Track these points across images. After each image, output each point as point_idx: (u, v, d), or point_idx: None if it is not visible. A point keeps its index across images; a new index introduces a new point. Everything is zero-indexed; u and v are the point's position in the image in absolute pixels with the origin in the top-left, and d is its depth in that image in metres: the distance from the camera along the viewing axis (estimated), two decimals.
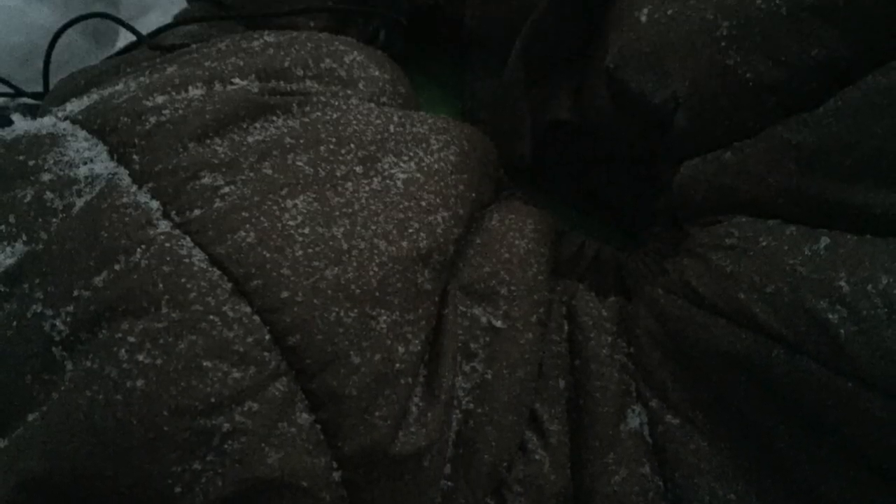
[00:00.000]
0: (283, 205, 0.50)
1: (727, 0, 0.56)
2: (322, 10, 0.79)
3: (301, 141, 0.54)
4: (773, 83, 0.54)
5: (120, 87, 0.60)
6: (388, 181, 0.54)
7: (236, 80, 0.59)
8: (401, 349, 0.51)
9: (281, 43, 0.64)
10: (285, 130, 0.55)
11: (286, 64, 0.61)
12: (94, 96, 0.60)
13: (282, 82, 0.60)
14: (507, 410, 0.55)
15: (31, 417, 0.46)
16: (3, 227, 0.49)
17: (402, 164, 0.56)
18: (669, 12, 0.59)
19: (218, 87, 0.58)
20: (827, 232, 0.51)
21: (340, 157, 0.54)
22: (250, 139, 0.54)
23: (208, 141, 0.53)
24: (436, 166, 0.57)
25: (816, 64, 0.53)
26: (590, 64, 0.69)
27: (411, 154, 0.57)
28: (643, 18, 0.61)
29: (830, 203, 0.51)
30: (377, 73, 0.65)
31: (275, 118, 0.56)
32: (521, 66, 0.70)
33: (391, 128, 0.58)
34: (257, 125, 0.55)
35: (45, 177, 0.51)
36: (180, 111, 0.54)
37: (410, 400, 0.51)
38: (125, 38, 0.90)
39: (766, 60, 0.54)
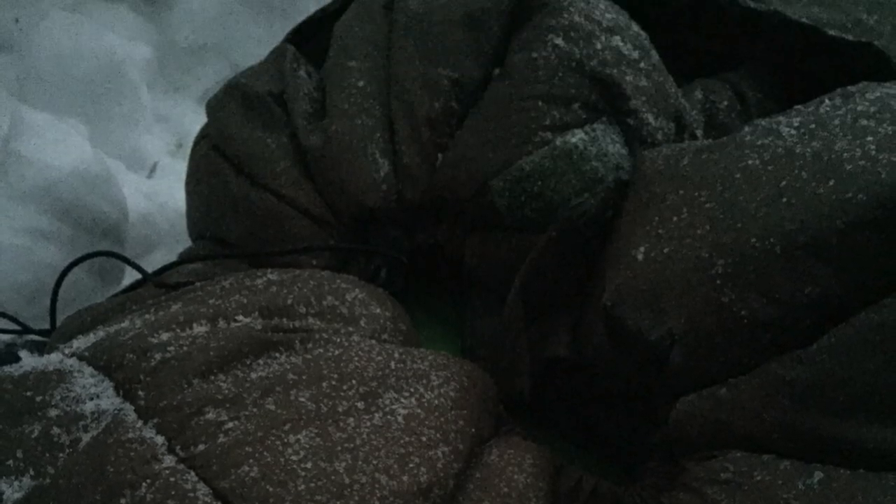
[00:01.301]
0: (285, 440, 0.55)
1: (722, 238, 0.61)
2: (324, 249, 0.85)
3: (304, 377, 0.60)
4: (768, 320, 0.59)
5: (126, 324, 0.66)
6: (389, 416, 0.59)
7: (240, 318, 0.65)
8: None
9: (284, 281, 0.70)
10: (288, 367, 0.61)
11: (289, 301, 0.68)
12: (101, 333, 0.66)
13: (285, 319, 0.66)
14: None
15: None
16: (10, 461, 0.54)
17: (402, 400, 0.60)
18: (666, 251, 0.65)
19: (222, 324, 0.65)
20: (821, 467, 0.55)
21: (342, 393, 0.59)
22: (254, 375, 0.60)
23: (212, 377, 0.59)
24: (436, 402, 0.62)
25: (810, 301, 0.58)
26: (588, 301, 0.74)
27: (412, 390, 0.62)
28: (640, 257, 0.66)
29: (824, 438, 0.56)
30: (378, 310, 0.71)
31: (278, 354, 0.62)
32: (520, 304, 0.74)
33: (392, 364, 0.63)
34: (261, 361, 0.61)
35: (53, 412, 0.57)
36: (185, 348, 0.60)
37: None
38: (131, 276, 0.97)
39: (761, 298, 0.59)
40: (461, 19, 0.87)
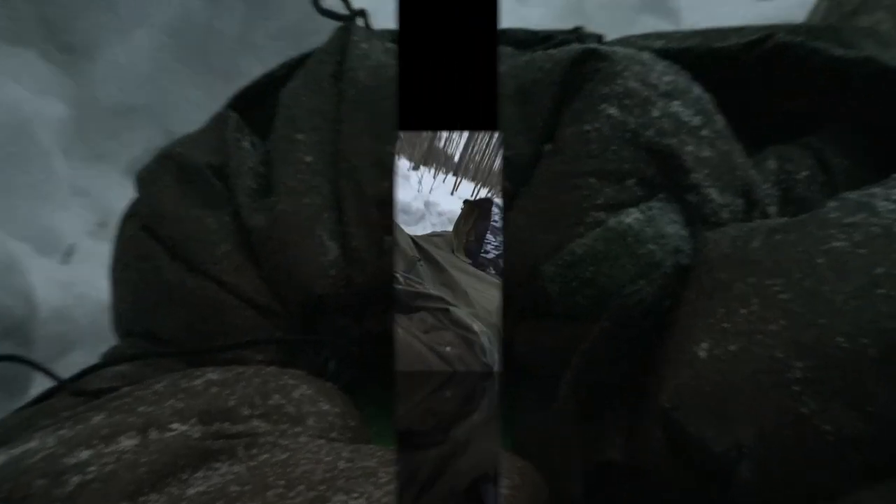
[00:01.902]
0: None
1: (801, 336, 0.61)
2: (269, 343, 0.89)
3: (247, 487, 0.60)
4: (858, 438, 0.58)
5: (34, 444, 0.67)
6: None
7: (175, 426, 0.67)
8: None
9: (226, 380, 0.72)
10: (230, 478, 0.61)
11: (231, 403, 0.69)
12: (2, 457, 0.67)
13: (227, 424, 0.68)
14: None
15: None
16: None
17: (351, 502, 0.60)
18: (732, 348, 0.65)
19: (154, 434, 0.66)
20: None
21: (289, 501, 0.60)
22: (191, 491, 0.60)
23: (143, 498, 0.60)
24: (384, 500, 0.61)
25: None
26: (644, 400, 0.73)
27: (360, 490, 0.62)
28: (702, 354, 0.67)
29: None
30: (327, 406, 0.75)
31: (218, 465, 0.63)
32: (571, 397, 0.75)
33: (341, 464, 0.65)
34: (199, 475, 0.62)
35: None
36: (109, 466, 0.62)
37: None
38: (41, 384, 0.97)
39: (850, 410, 0.58)
40: (513, 94, 0.91)
